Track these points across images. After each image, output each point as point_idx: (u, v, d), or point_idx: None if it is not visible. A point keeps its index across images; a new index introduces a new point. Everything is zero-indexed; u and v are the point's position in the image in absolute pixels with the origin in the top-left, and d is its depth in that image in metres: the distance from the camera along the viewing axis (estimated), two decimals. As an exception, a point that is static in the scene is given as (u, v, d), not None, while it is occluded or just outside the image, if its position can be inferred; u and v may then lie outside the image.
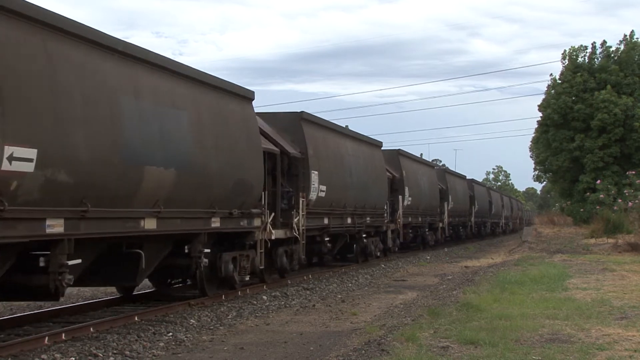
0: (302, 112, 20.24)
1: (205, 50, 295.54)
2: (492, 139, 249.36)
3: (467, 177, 52.69)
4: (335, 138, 22.79)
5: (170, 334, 11.47)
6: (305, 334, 11.66)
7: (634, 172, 37.68)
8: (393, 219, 29.94)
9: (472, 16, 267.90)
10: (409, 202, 31.81)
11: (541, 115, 51.67)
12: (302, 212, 18.92)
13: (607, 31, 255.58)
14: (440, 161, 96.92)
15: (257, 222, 16.21)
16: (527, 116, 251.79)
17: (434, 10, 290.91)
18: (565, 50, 51.76)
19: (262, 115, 19.18)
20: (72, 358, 9.53)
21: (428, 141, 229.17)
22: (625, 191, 36.65)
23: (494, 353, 8.98)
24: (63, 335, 10.67)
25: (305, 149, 19.57)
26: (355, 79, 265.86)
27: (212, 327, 12.23)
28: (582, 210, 47.30)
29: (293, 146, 19.31)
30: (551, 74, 53.36)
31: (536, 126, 53.62)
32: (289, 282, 19.11)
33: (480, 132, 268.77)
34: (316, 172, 19.95)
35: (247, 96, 16.13)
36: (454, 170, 55.49)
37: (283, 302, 15.50)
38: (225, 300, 15.27)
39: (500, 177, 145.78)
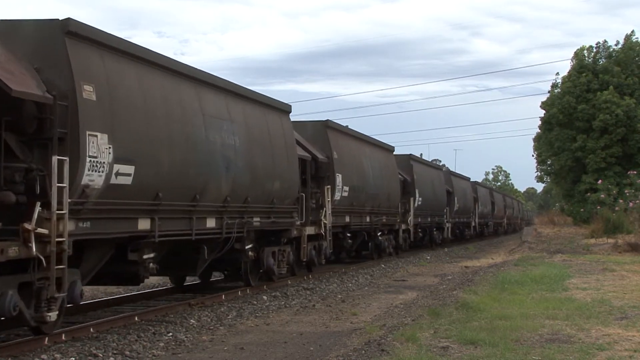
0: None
1: (207, 50, 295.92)
2: (493, 139, 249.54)
3: (405, 154, 34.65)
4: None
5: (170, 334, 11.47)
6: (306, 334, 11.66)
7: (634, 172, 37.70)
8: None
9: (473, 16, 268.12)
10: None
11: (544, 112, 51.83)
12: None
13: (610, 31, 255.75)
14: (440, 161, 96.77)
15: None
16: (528, 116, 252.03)
17: (436, 9, 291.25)
18: (576, 50, 51.93)
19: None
20: (72, 358, 9.53)
21: (429, 141, 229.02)
22: (625, 191, 36.66)
23: (494, 353, 8.99)
24: (63, 335, 10.67)
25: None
26: (356, 78, 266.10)
27: (212, 327, 12.23)
28: (582, 210, 47.36)
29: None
30: (557, 73, 53.63)
31: (539, 125, 53.77)
32: (289, 282, 19.11)
33: (481, 132, 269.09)
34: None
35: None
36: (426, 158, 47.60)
37: (283, 302, 15.50)
38: (225, 300, 15.27)
39: (500, 177, 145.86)
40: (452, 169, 58.71)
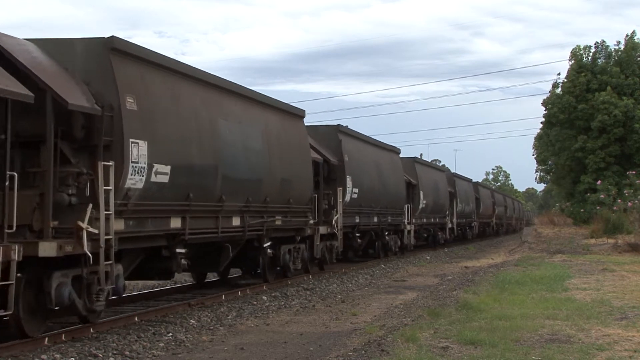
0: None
1: (208, 50, 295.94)
2: (494, 139, 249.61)
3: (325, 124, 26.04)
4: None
5: (170, 334, 11.47)
6: (305, 334, 11.66)
7: (634, 172, 37.75)
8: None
9: (475, 16, 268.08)
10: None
11: (545, 111, 52.00)
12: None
13: (612, 30, 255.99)
14: (440, 161, 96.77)
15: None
16: (529, 116, 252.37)
17: (438, 9, 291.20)
18: (573, 49, 52.05)
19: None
20: (72, 358, 9.53)
21: (429, 141, 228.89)
22: (625, 191, 36.70)
23: (494, 353, 8.99)
24: (63, 335, 10.67)
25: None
26: (357, 78, 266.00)
27: (212, 328, 12.24)
28: (582, 210, 47.43)
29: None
30: (559, 73, 53.91)
31: (541, 122, 53.95)
32: (289, 282, 19.10)
33: (481, 132, 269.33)
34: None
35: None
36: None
37: (283, 303, 15.51)
38: (225, 301, 15.27)
39: (500, 178, 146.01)
40: (452, 169, 57.50)
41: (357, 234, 24.81)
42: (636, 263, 22.28)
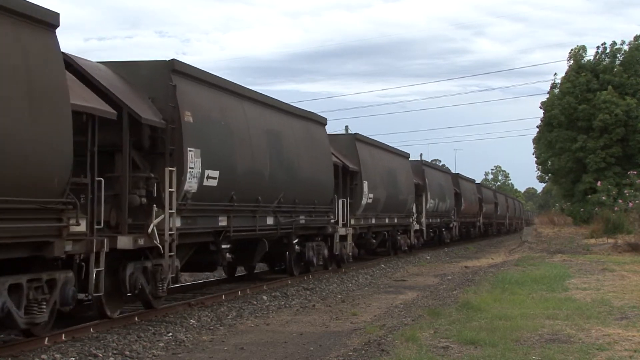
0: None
1: (208, 50, 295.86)
2: (494, 139, 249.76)
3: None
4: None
5: (170, 334, 11.47)
6: (305, 334, 11.66)
7: (634, 172, 37.76)
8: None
9: (476, 15, 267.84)
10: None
11: (543, 113, 52.02)
12: None
13: (613, 30, 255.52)
14: (440, 161, 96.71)
15: None
16: (529, 116, 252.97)
17: (439, 9, 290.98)
18: (571, 50, 52.11)
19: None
20: (72, 358, 9.53)
21: (429, 141, 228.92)
22: (625, 191, 36.73)
23: (494, 353, 8.99)
24: (63, 335, 10.67)
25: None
26: (358, 78, 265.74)
27: (212, 327, 12.24)
28: (582, 210, 47.48)
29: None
30: (555, 73, 54.00)
31: (539, 124, 53.90)
32: (289, 282, 19.09)
33: (482, 132, 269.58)
34: None
35: None
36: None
37: (283, 302, 15.51)
38: (225, 300, 15.27)
39: (500, 177, 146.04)
40: (452, 169, 56.62)
41: (226, 246, 14.95)
42: (636, 263, 22.29)
